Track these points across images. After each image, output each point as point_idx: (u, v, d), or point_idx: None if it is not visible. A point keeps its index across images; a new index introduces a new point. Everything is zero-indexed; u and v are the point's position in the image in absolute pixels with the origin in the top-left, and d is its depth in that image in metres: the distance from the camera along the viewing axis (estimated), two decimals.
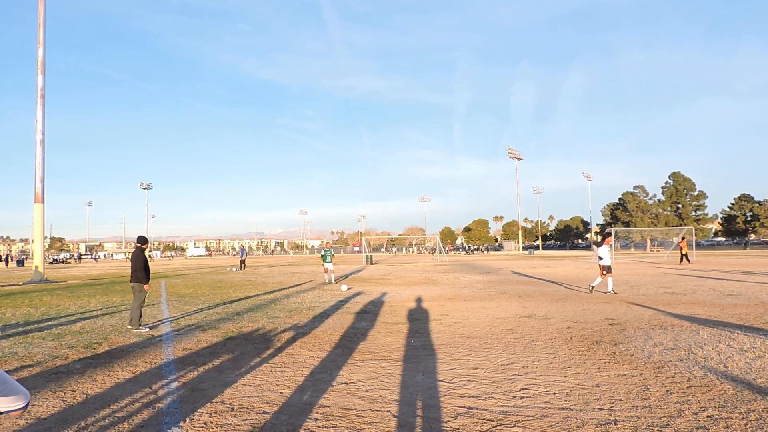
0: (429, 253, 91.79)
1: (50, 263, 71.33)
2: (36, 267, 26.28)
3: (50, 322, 10.45)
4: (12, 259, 70.66)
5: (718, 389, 4.88)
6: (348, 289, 17.12)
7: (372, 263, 43.09)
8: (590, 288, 13.65)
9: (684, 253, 31.09)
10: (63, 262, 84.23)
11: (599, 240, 14.17)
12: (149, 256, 52.57)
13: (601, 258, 13.52)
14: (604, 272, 13.44)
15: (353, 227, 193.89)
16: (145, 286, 9.71)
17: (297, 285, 19.74)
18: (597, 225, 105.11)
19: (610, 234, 13.97)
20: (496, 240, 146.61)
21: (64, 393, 5.21)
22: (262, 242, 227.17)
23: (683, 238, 33.15)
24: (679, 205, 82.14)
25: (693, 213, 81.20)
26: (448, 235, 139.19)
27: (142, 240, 10.05)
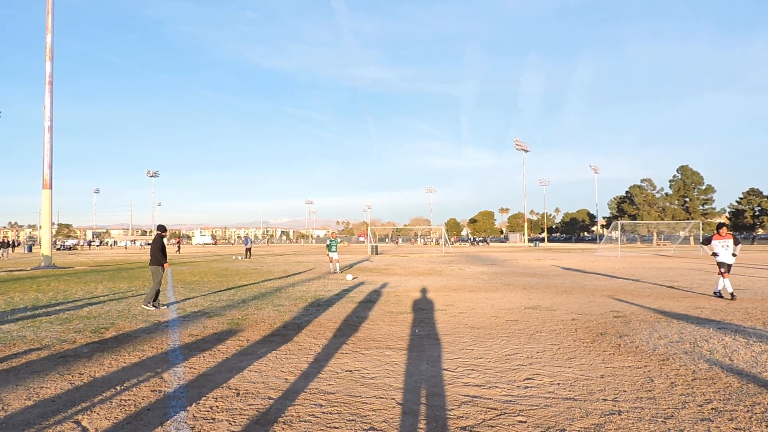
0: (434, 243, 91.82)
1: (57, 249, 71.90)
2: (43, 253, 26.49)
3: (58, 307, 10.54)
4: (18, 244, 71.29)
5: (723, 382, 4.87)
6: (353, 278, 17.17)
7: (377, 253, 43.16)
8: (731, 295, 11.45)
9: None
10: (70, 248, 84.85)
11: (707, 236, 12.22)
12: (178, 244, 53.49)
13: (716, 255, 11.94)
14: (722, 270, 11.75)
15: (359, 217, 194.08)
16: (165, 265, 10.60)
17: (302, 273, 19.81)
18: (603, 218, 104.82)
19: (723, 225, 12.20)
20: (502, 232, 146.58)
21: (72, 376, 5.27)
22: (267, 231, 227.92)
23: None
24: (687, 199, 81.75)
25: (700, 207, 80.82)
26: (453, 227, 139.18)
27: (162, 228, 11.04)
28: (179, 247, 52.62)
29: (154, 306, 10.24)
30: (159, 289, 10.36)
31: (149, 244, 11.67)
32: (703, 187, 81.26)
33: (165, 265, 10.58)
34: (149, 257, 10.71)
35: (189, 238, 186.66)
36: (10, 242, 45.44)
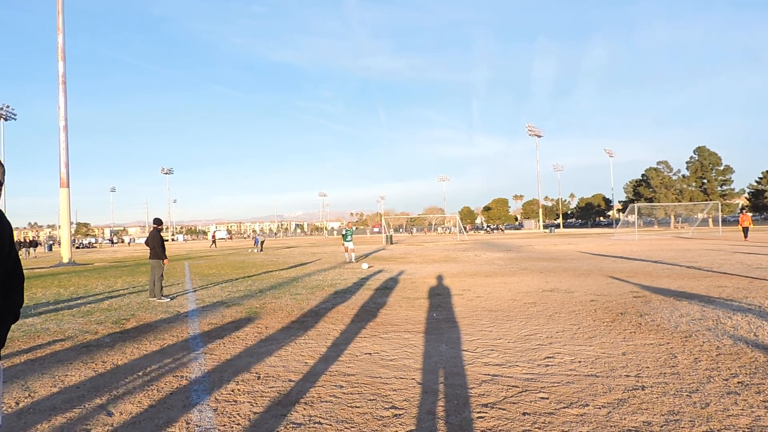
0: (448, 232, 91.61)
1: (77, 248, 73.02)
2: (63, 251, 26.91)
3: (79, 301, 10.71)
4: (39, 244, 72.54)
5: (749, 357, 4.79)
6: (369, 267, 17.19)
7: (392, 243, 43.17)
8: None
9: (744, 226, 27.46)
10: (88, 246, 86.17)
11: None
12: (173, 239, 54.95)
13: None
14: None
15: (372, 208, 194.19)
16: (165, 261, 10.65)
17: (318, 264, 19.88)
18: (619, 202, 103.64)
19: None
20: (516, 219, 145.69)
21: (95, 364, 5.34)
22: (282, 225, 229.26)
23: (742, 211, 30.01)
24: (705, 180, 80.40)
25: (719, 188, 79.41)
26: (467, 215, 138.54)
27: (158, 221, 11.10)
28: (215, 241, 53.52)
29: (168, 297, 10.52)
30: (155, 282, 10.45)
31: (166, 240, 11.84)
32: (722, 168, 79.78)
33: (164, 261, 10.65)
34: (149, 252, 10.84)
35: (205, 233, 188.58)
36: (31, 241, 46.05)
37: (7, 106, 64.35)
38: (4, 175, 2.12)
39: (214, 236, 57.26)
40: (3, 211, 2.22)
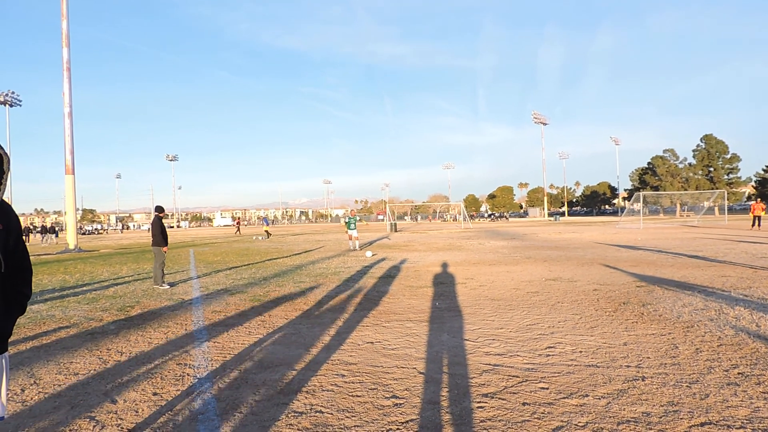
0: (452, 220, 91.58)
1: (82, 234, 73.48)
2: (69, 237, 27.07)
3: (84, 288, 10.80)
4: (62, 230, 72.62)
5: (750, 347, 4.79)
6: (372, 255, 17.22)
7: (396, 231, 43.19)
8: None
9: (756, 215, 26.56)
10: (93, 233, 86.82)
11: None
12: (178, 226, 54.62)
13: None
14: None
15: (377, 196, 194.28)
16: (164, 249, 10.73)
17: (322, 251, 19.93)
18: (625, 190, 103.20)
19: None
20: (521, 207, 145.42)
21: (100, 351, 5.40)
22: (287, 212, 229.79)
23: (758, 199, 29.40)
24: (711, 169, 79.89)
25: (725, 176, 78.91)
26: (472, 203, 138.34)
27: (159, 209, 11.26)
28: (239, 228, 52.75)
29: (169, 284, 10.65)
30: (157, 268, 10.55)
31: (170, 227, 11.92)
32: (728, 156, 79.19)
33: (163, 249, 10.70)
34: (151, 239, 11.00)
35: (210, 220, 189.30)
36: (50, 227, 45.38)
37: (12, 93, 64.45)
38: (9, 164, 2.13)
39: (238, 222, 56.82)
40: (10, 203, 2.23)
